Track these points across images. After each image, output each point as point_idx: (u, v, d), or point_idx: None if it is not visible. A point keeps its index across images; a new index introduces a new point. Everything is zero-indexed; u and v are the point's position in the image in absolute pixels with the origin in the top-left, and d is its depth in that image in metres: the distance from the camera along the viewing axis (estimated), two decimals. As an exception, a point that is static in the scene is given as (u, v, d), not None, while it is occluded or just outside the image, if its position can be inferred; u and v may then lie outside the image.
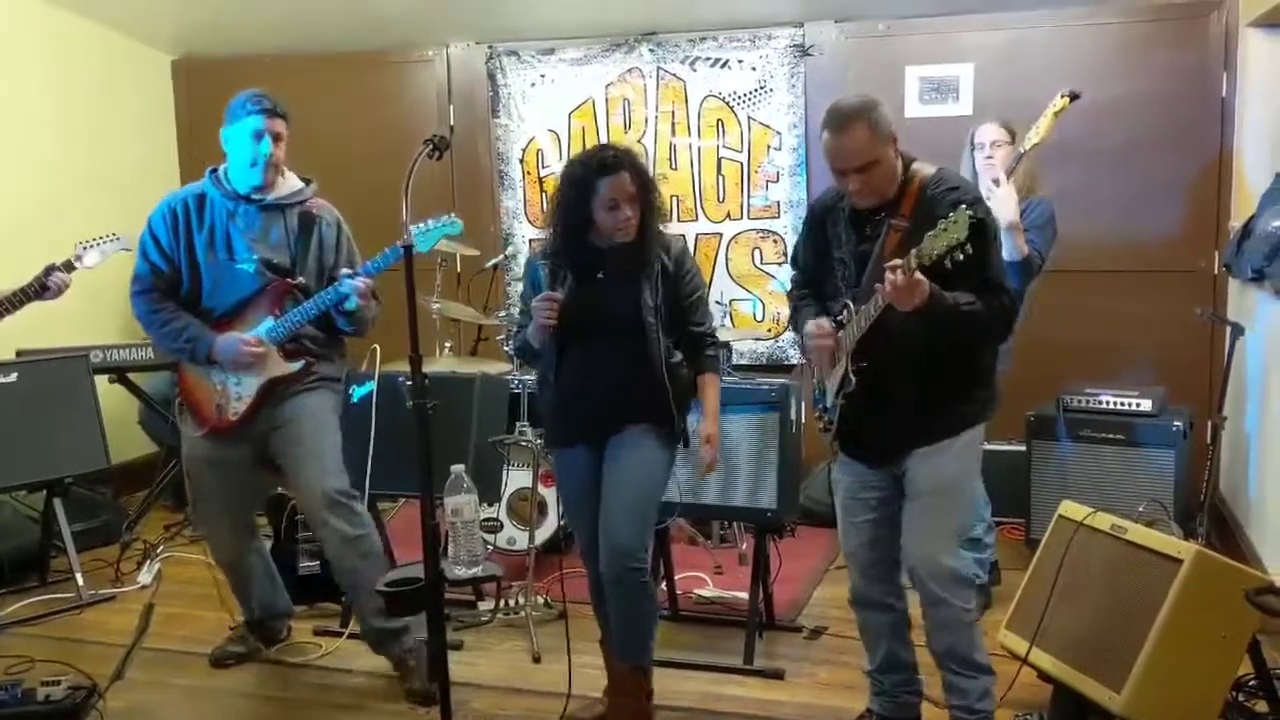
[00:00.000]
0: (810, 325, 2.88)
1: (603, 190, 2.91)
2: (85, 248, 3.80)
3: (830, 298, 2.90)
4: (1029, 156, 3.75)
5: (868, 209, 2.77)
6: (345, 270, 3.39)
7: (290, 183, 3.48)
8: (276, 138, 3.36)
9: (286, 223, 3.44)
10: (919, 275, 2.48)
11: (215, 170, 3.46)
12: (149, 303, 3.43)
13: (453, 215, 3.47)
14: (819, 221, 2.95)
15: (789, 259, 3.24)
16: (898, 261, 2.50)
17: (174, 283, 3.43)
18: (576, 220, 2.98)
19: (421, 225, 3.38)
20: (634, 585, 3.00)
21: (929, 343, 2.65)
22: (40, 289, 3.74)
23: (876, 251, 2.73)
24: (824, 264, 2.92)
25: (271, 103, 3.37)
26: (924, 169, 2.77)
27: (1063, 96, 3.68)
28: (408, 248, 2.63)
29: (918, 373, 2.72)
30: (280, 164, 3.41)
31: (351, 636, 3.67)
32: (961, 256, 2.42)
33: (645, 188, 2.98)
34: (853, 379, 2.77)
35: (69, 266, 3.82)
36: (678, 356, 3.09)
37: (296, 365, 3.44)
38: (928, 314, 2.54)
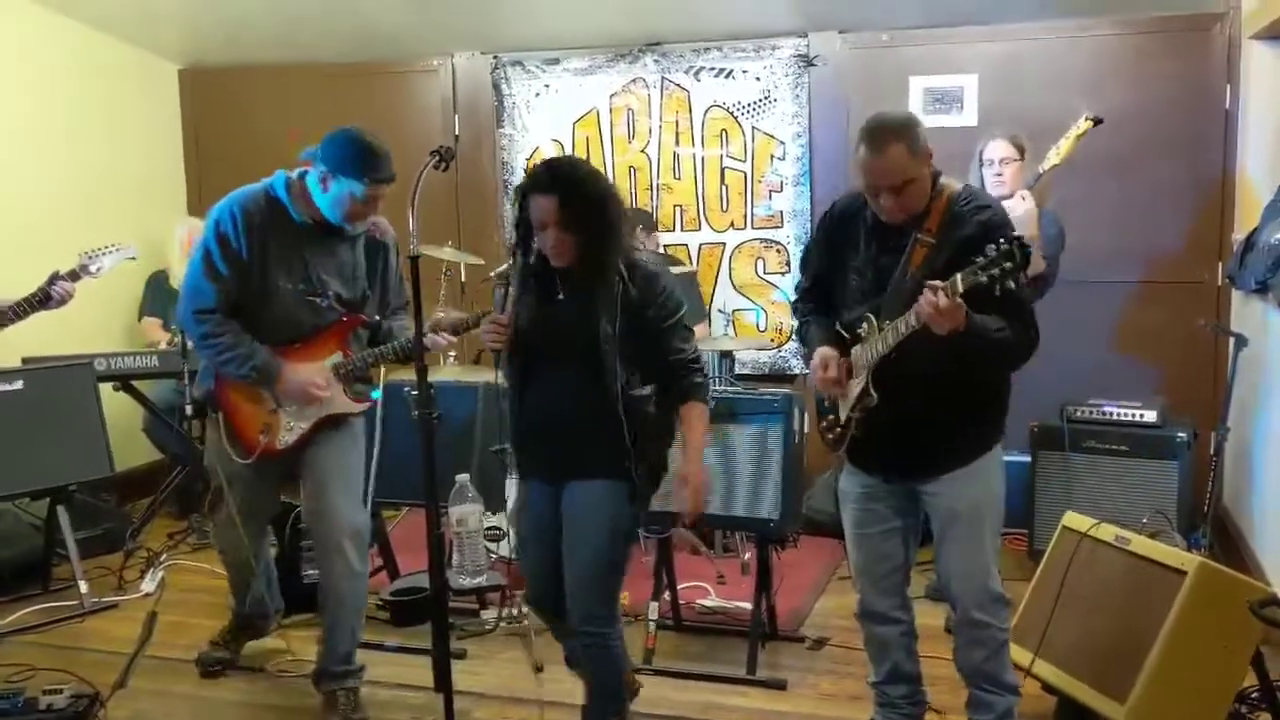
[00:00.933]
0: (817, 358, 2.83)
1: (530, 209, 2.76)
2: (90, 257, 3.78)
3: (843, 305, 2.85)
4: (1048, 176, 3.73)
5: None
6: (444, 329, 3.37)
7: None
8: (380, 202, 3.22)
9: (355, 254, 3.34)
10: (959, 300, 2.44)
11: (290, 180, 3.25)
12: (208, 324, 3.21)
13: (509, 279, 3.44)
14: (837, 226, 2.89)
15: (799, 263, 3.17)
16: (938, 283, 2.45)
17: (236, 296, 3.21)
18: (523, 234, 2.84)
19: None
20: (602, 649, 2.90)
21: (950, 363, 2.60)
22: (44, 298, 3.71)
23: (901, 265, 2.70)
24: (838, 270, 2.87)
25: (389, 171, 3.14)
26: (952, 184, 2.74)
27: (1086, 119, 3.63)
28: (415, 258, 2.64)
29: (937, 391, 2.67)
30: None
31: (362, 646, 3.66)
32: (1013, 285, 2.38)
33: (583, 214, 2.72)
34: (874, 395, 2.72)
35: (74, 276, 3.79)
36: (643, 391, 2.85)
37: (362, 406, 3.39)
38: (960, 338, 2.50)
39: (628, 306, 2.79)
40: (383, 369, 3.85)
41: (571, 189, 2.73)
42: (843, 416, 2.86)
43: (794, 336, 3.20)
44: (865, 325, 2.73)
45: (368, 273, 3.36)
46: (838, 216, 2.90)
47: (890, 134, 2.62)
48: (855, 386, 2.79)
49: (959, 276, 2.44)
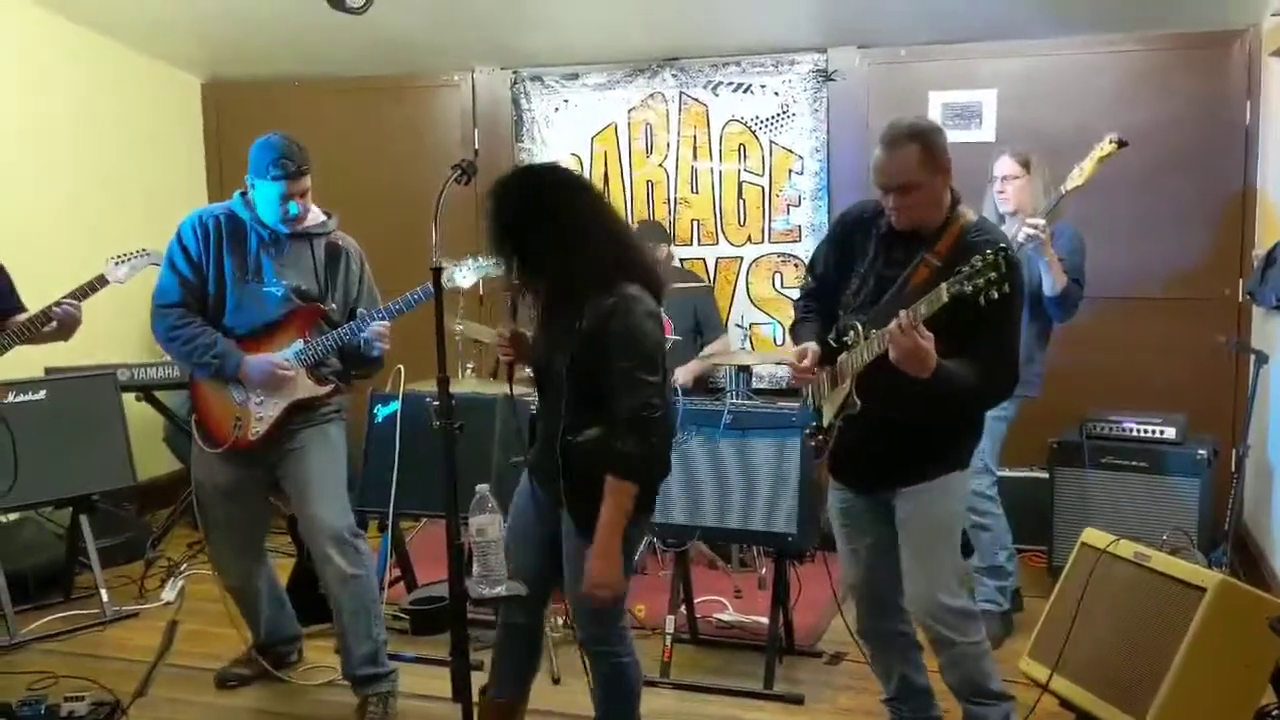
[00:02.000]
0: (797, 349, 2.85)
1: None
2: (116, 263, 3.77)
3: (842, 309, 2.86)
4: (1069, 198, 3.73)
5: (905, 235, 2.74)
6: (362, 310, 3.44)
7: (314, 214, 3.52)
8: (303, 195, 3.39)
9: (314, 252, 3.49)
10: (928, 345, 2.46)
11: (245, 193, 3.47)
12: (171, 318, 3.41)
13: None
14: (848, 231, 2.90)
15: (808, 263, 3.18)
16: (905, 313, 2.48)
17: (199, 296, 3.43)
18: None
19: (462, 265, 3.44)
20: (613, 666, 2.87)
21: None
22: (44, 320, 3.57)
23: (901, 280, 2.71)
24: (843, 275, 2.88)
25: (295, 163, 3.31)
26: (969, 214, 2.75)
27: (1110, 142, 3.60)
28: (437, 270, 2.66)
29: (917, 404, 2.65)
30: (307, 211, 3.45)
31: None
32: (995, 295, 2.39)
33: (505, 234, 2.64)
34: (857, 402, 2.73)
35: (83, 294, 3.66)
36: (588, 434, 2.64)
37: (326, 388, 3.48)
38: (930, 384, 2.52)
39: (583, 345, 2.61)
40: (402, 383, 3.89)
41: (492, 207, 2.64)
42: (825, 423, 2.88)
43: (789, 333, 3.17)
44: (851, 334, 2.74)
45: (328, 272, 3.50)
46: (851, 221, 2.92)
47: (905, 136, 2.66)
48: (839, 393, 2.81)
49: (944, 286, 2.45)
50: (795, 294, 5.44)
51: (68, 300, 3.60)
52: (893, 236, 2.77)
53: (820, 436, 2.90)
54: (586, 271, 2.60)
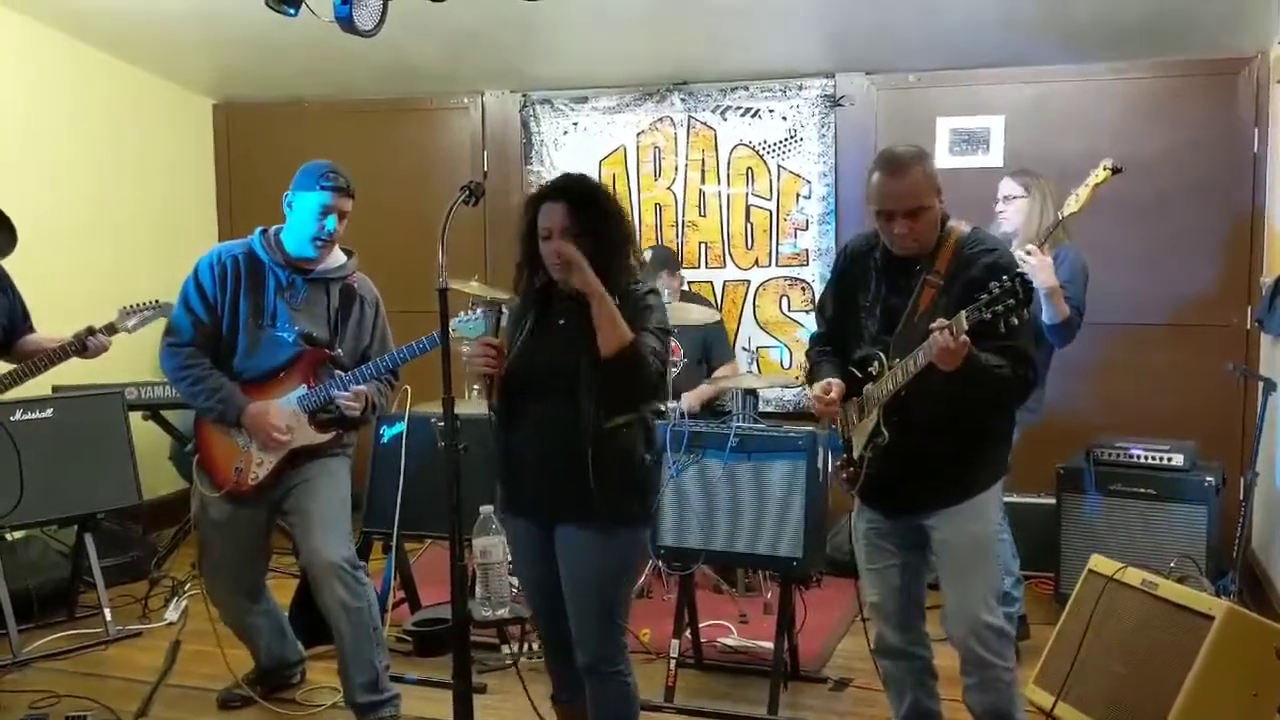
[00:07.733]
0: (817, 387, 2.88)
1: (539, 218, 2.75)
2: (127, 314, 3.91)
3: (854, 345, 2.89)
4: (1064, 225, 3.75)
5: (903, 261, 2.77)
6: (373, 358, 3.46)
7: (336, 255, 3.51)
8: (342, 216, 3.40)
9: (329, 297, 3.48)
10: (964, 337, 2.49)
11: (265, 231, 3.47)
12: (180, 357, 3.41)
13: (503, 307, 3.49)
14: (848, 268, 2.95)
15: (816, 308, 3.21)
16: (944, 321, 2.50)
17: (211, 337, 3.42)
18: (527, 251, 2.82)
19: (466, 316, 3.47)
20: (613, 690, 2.82)
21: (957, 401, 2.65)
22: (80, 348, 3.82)
23: (910, 305, 2.74)
24: (850, 313, 2.92)
25: (345, 181, 3.39)
26: (961, 226, 2.79)
27: (1105, 169, 3.63)
28: (443, 291, 2.66)
29: (945, 429, 2.70)
30: (337, 238, 3.45)
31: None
32: (1016, 321, 2.43)
33: (591, 224, 2.70)
34: (885, 433, 2.76)
35: (110, 329, 3.88)
36: (617, 420, 2.69)
37: (326, 436, 3.46)
38: (961, 370, 2.54)
39: None
40: (408, 403, 3.89)
41: (586, 198, 2.75)
42: (855, 455, 2.89)
43: (805, 375, 3.20)
44: (876, 364, 2.77)
45: (341, 318, 3.49)
46: (849, 258, 2.97)
47: (909, 159, 2.72)
48: (867, 425, 2.82)
49: (963, 314, 2.48)
50: (803, 317, 5.52)
51: (100, 333, 3.84)
52: (891, 266, 2.81)
53: (851, 468, 2.91)
54: (625, 266, 2.78)
